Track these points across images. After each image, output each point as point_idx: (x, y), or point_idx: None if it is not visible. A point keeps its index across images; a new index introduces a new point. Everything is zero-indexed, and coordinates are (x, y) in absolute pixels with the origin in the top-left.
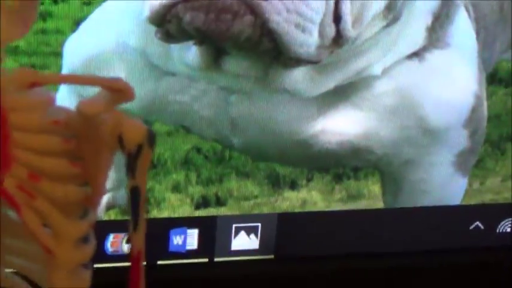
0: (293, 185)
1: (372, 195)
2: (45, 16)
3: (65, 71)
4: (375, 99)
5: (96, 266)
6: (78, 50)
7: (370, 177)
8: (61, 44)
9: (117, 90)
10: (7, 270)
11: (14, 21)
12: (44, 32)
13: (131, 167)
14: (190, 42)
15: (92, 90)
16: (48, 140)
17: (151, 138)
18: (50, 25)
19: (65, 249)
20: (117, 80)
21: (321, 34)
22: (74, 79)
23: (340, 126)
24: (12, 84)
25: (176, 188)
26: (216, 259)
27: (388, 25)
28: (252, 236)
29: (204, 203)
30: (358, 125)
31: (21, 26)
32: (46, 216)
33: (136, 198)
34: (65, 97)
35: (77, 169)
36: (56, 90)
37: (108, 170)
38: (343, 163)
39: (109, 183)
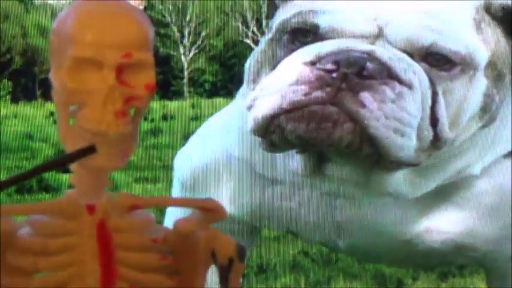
0: (399, 285)
1: None
2: (156, 132)
3: (176, 183)
4: (475, 198)
5: None
6: (188, 162)
7: (476, 275)
8: (171, 158)
9: (209, 210)
10: None
11: (114, 153)
12: (155, 147)
13: (224, 279)
14: (293, 151)
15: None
16: (148, 257)
17: (241, 253)
18: (161, 140)
19: None
20: (209, 200)
21: (419, 137)
22: (169, 201)
23: (443, 225)
24: (115, 208)
25: None
26: None
27: (484, 126)
28: None
29: None
30: (460, 223)
31: (120, 158)
32: None
33: None
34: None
35: (174, 283)
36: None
37: (203, 282)
38: (448, 261)
39: None
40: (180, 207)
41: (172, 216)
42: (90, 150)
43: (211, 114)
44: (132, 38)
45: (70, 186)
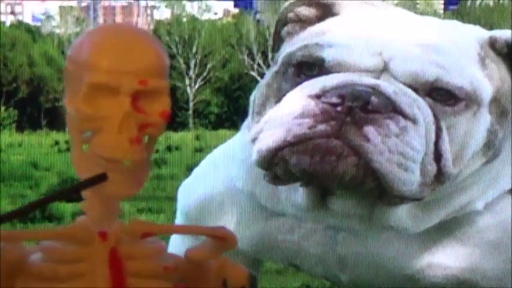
0: None
1: None
2: (160, 163)
3: (179, 214)
4: (478, 234)
5: None
6: (191, 194)
7: None
8: (175, 189)
9: (221, 238)
10: None
11: (129, 180)
12: (159, 177)
13: None
14: (297, 184)
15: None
16: (160, 284)
17: (252, 282)
18: (165, 171)
19: None
20: (221, 229)
21: (423, 172)
22: (181, 229)
23: (445, 260)
24: (127, 235)
25: None
26: None
27: (488, 162)
28: None
29: None
30: (462, 259)
31: (134, 185)
32: None
33: None
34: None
35: None
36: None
37: None
38: None
39: None
40: (189, 235)
41: (175, 245)
42: (101, 178)
43: (215, 146)
44: (149, 65)
45: (73, 215)
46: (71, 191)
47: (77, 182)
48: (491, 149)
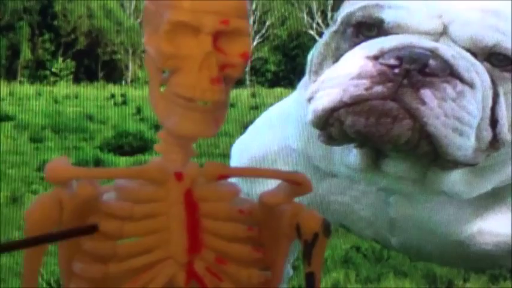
0: (450, 285)
1: None
2: None
3: None
4: None
5: None
6: (245, 151)
7: None
8: (229, 146)
9: (297, 183)
10: None
11: (208, 120)
12: None
13: (307, 255)
14: (351, 145)
15: None
16: (235, 227)
17: (326, 228)
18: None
19: None
20: (297, 173)
21: (478, 138)
22: (257, 172)
23: (496, 227)
24: (202, 177)
25: (336, 286)
26: None
27: None
28: None
29: None
30: None
31: (213, 125)
32: None
33: (311, 284)
34: None
35: (259, 254)
36: None
37: (286, 256)
38: (500, 264)
39: None
40: (266, 178)
41: None
42: (91, 229)
43: (271, 104)
44: (230, 4)
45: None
46: (57, 237)
47: (67, 229)
48: None
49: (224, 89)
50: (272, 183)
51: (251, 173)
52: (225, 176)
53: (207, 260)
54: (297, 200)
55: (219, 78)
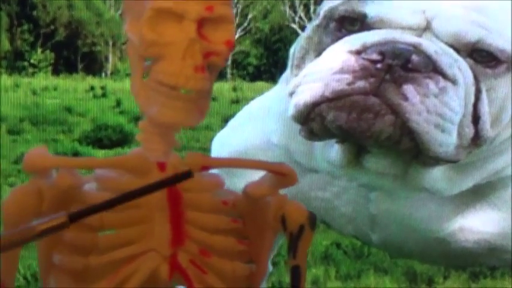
0: (430, 283)
1: None
2: None
3: None
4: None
5: None
6: (226, 146)
7: (507, 277)
8: (210, 140)
9: (282, 174)
10: None
11: (191, 109)
12: (194, 128)
13: (293, 247)
14: (333, 140)
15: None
16: (219, 219)
17: (312, 220)
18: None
19: None
20: (282, 164)
21: (460, 134)
22: (241, 163)
23: (477, 225)
24: (186, 167)
25: (315, 283)
26: None
27: None
28: None
29: None
30: (495, 224)
31: (196, 115)
32: None
33: (297, 277)
34: None
35: (243, 247)
36: None
37: (271, 249)
38: (480, 262)
39: None
40: (251, 169)
41: None
42: (186, 175)
43: (252, 98)
44: None
45: None
46: (155, 187)
47: (163, 179)
48: None
49: (208, 78)
50: (254, 177)
51: (235, 163)
52: (208, 167)
53: (191, 252)
54: (281, 191)
55: (203, 67)
